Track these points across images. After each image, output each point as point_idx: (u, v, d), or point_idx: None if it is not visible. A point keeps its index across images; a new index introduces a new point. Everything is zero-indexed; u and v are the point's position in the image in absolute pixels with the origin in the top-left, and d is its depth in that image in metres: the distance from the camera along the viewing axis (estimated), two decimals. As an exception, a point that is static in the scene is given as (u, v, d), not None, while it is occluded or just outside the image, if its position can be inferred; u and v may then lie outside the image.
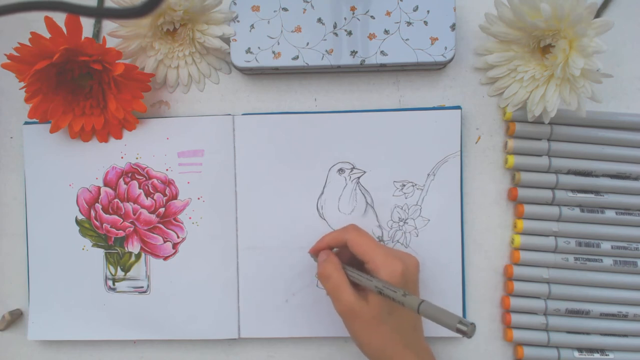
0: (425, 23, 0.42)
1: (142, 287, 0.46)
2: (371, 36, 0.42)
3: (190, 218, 0.45)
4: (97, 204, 0.46)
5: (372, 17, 0.42)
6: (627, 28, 0.44)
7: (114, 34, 0.42)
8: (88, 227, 0.46)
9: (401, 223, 0.44)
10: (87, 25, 0.45)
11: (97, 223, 0.46)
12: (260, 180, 0.45)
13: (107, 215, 0.46)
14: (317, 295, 0.45)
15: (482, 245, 0.45)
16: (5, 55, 0.39)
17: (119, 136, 0.45)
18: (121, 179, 0.46)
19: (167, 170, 0.45)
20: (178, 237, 0.45)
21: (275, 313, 0.45)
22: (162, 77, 0.45)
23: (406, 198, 0.44)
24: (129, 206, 0.46)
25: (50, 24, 0.38)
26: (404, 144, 0.44)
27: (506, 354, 0.45)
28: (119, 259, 0.46)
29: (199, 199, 0.45)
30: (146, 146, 0.45)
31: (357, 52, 0.42)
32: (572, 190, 0.43)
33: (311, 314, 0.45)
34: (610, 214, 0.43)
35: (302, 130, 0.44)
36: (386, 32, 0.42)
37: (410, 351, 0.37)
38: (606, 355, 0.43)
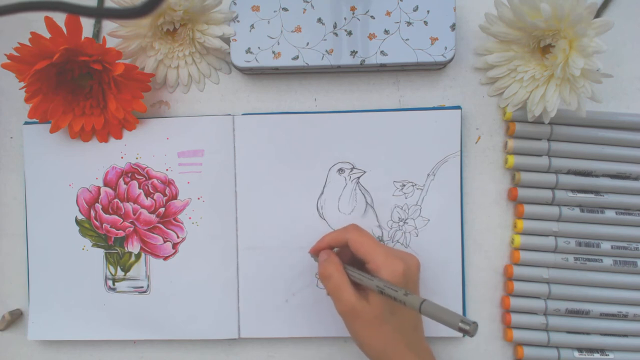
0: (425, 23, 0.42)
1: (142, 287, 0.46)
2: (371, 36, 0.42)
3: (190, 218, 0.45)
4: (97, 204, 0.46)
5: (372, 17, 0.42)
6: (627, 28, 0.44)
7: (114, 34, 0.42)
8: (88, 227, 0.46)
9: (401, 223, 0.44)
10: (87, 25, 0.45)
11: (97, 223, 0.46)
12: (260, 180, 0.45)
13: (107, 215, 0.46)
14: (317, 295, 0.45)
15: (482, 245, 0.45)
16: (5, 55, 0.39)
17: (119, 136, 0.45)
18: (121, 179, 0.46)
19: (167, 170, 0.45)
20: (178, 237, 0.45)
21: (275, 313, 0.45)
22: (162, 77, 0.45)
23: (406, 198, 0.44)
24: (129, 206, 0.46)
25: (50, 24, 0.38)
26: (404, 144, 0.44)
27: (506, 354, 0.45)
28: (119, 259, 0.46)
29: (199, 199, 0.45)
30: (146, 146, 0.45)
31: (357, 52, 0.42)
32: (572, 190, 0.43)
33: (311, 314, 0.45)
34: (610, 214, 0.43)
35: (302, 130, 0.44)
36: (386, 32, 0.42)
37: (411, 351, 0.37)
38: (606, 355, 0.43)
